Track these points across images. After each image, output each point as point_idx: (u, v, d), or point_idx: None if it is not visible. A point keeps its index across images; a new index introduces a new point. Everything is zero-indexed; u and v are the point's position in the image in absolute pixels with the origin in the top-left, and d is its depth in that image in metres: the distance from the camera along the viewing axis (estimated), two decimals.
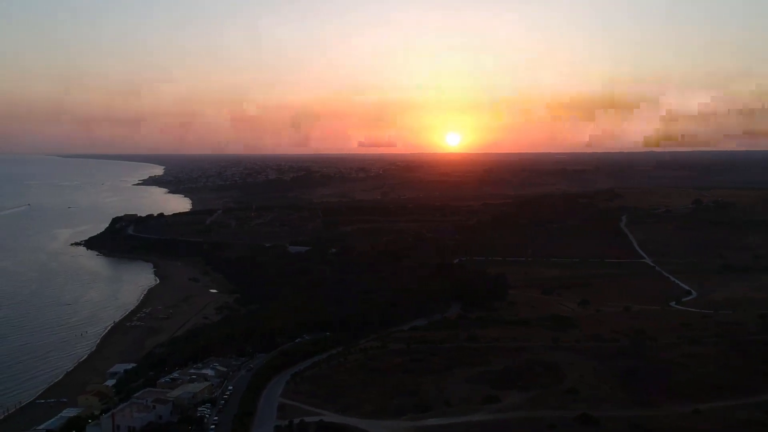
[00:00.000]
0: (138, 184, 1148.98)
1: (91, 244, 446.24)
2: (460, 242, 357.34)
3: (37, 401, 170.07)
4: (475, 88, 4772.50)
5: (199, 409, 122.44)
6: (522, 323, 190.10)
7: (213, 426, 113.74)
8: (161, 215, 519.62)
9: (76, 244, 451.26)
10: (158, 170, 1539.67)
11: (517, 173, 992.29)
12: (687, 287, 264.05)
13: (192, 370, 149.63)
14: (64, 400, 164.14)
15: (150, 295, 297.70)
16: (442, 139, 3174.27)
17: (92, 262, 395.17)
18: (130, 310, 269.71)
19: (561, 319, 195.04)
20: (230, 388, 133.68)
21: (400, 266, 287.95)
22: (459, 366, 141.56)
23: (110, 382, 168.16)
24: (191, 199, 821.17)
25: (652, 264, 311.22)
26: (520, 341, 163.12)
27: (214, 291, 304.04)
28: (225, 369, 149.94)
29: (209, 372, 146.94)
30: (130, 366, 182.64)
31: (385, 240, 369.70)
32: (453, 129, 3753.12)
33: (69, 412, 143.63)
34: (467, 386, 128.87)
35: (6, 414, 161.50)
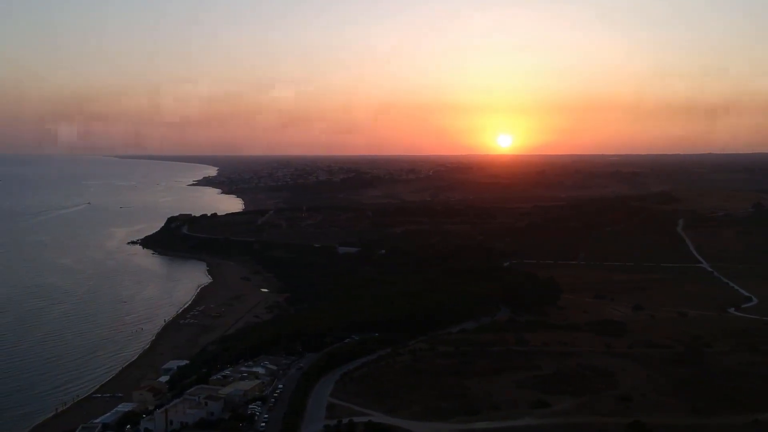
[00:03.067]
0: (192, 185, 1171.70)
1: (147, 242, 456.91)
2: (510, 245, 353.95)
3: (94, 395, 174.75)
4: (527, 89, 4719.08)
5: (250, 406, 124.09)
6: (573, 328, 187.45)
7: (263, 424, 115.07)
8: (214, 215, 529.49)
9: (132, 242, 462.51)
10: (212, 171, 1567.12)
11: (569, 175, 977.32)
12: (747, 293, 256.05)
13: (243, 368, 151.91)
14: (120, 395, 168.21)
15: (203, 294, 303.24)
16: (493, 141, 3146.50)
17: (148, 260, 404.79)
18: (183, 308, 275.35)
19: (613, 324, 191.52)
20: (280, 386, 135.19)
21: (449, 268, 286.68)
22: (508, 369, 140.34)
23: (164, 378, 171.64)
24: (243, 199, 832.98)
25: (710, 269, 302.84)
26: (571, 346, 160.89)
27: (265, 290, 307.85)
28: (275, 367, 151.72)
29: (260, 370, 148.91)
30: (183, 363, 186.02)
31: (433, 242, 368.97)
32: (504, 130, 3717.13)
33: (124, 407, 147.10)
34: (516, 390, 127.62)
35: (64, 407, 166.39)
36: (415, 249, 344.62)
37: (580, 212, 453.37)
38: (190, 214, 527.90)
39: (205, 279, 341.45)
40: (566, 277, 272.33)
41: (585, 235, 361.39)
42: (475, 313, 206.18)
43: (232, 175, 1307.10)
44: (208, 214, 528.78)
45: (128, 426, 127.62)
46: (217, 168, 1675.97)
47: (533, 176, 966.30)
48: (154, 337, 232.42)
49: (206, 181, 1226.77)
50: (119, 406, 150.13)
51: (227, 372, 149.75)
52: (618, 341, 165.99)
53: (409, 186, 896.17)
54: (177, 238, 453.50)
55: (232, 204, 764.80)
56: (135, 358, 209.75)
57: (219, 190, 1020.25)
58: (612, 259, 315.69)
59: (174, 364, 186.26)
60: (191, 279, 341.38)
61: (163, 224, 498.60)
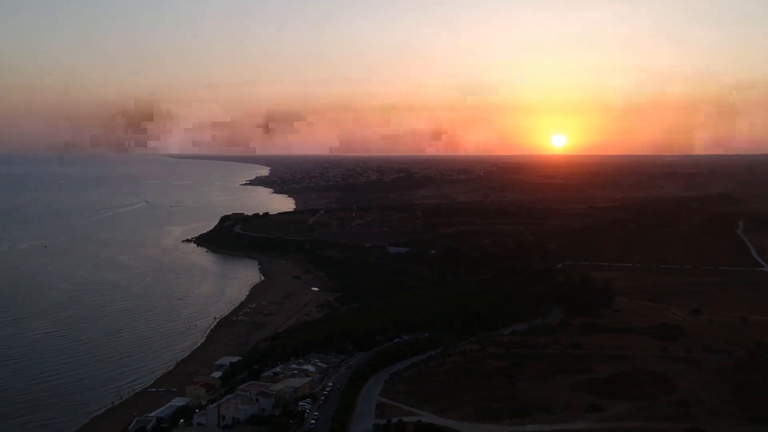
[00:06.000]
0: (245, 184, 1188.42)
1: (201, 241, 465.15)
2: (564, 246, 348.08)
3: (149, 389, 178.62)
4: (582, 89, 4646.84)
5: (300, 403, 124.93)
6: (628, 331, 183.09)
7: (313, 421, 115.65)
8: (266, 214, 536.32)
9: (187, 240, 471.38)
10: (264, 171, 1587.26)
11: (624, 176, 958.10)
12: None
13: (294, 366, 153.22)
14: (174, 389, 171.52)
15: (255, 292, 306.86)
16: (547, 141, 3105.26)
17: (202, 258, 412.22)
18: (236, 306, 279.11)
19: (670, 327, 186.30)
20: (330, 384, 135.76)
21: (501, 269, 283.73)
22: (561, 372, 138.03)
23: (216, 374, 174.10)
24: (294, 199, 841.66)
25: None
26: (626, 349, 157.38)
27: (316, 289, 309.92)
28: (325, 366, 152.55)
29: (310, 368, 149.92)
30: (235, 359, 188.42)
31: (485, 242, 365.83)
32: (558, 130, 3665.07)
33: (178, 402, 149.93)
34: (569, 393, 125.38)
35: (121, 400, 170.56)
36: (467, 249, 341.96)
37: (636, 213, 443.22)
38: (243, 214, 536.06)
39: (257, 277, 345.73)
40: (621, 279, 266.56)
41: (641, 237, 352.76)
42: (528, 314, 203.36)
43: (284, 174, 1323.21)
44: (261, 214, 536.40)
45: (182, 420, 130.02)
46: (269, 168, 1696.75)
47: (588, 177, 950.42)
48: (207, 334, 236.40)
49: (258, 181, 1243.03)
50: (173, 400, 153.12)
51: (278, 369, 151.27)
52: (675, 345, 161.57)
53: (461, 186, 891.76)
54: (230, 236, 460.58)
55: (284, 203, 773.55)
56: (189, 353, 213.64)
57: (271, 190, 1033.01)
58: (669, 262, 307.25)
59: (226, 360, 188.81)
60: (244, 277, 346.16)
61: (216, 223, 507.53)
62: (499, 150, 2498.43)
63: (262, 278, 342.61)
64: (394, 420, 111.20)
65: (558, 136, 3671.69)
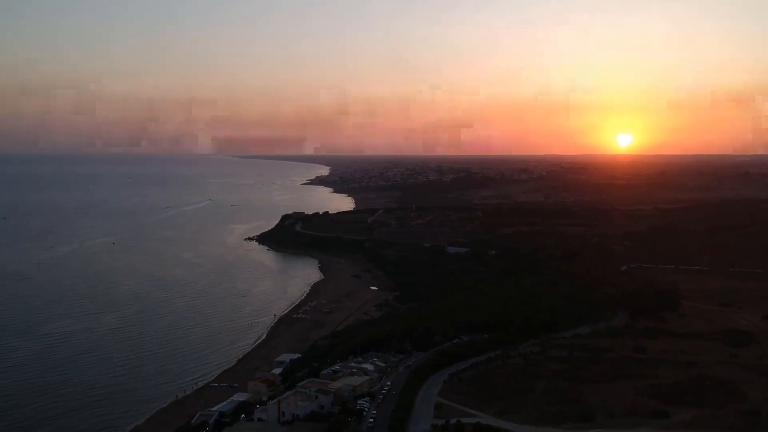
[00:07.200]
0: (305, 184, 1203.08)
1: (263, 239, 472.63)
2: (629, 248, 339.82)
3: (212, 384, 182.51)
4: (648, 87, 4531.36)
5: (359, 402, 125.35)
6: (695, 336, 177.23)
7: (371, 420, 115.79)
8: (326, 213, 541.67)
9: (249, 239, 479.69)
10: (324, 170, 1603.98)
11: (692, 176, 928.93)
12: None
13: (352, 364, 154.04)
14: (236, 385, 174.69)
15: (314, 290, 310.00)
16: (612, 140, 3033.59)
17: (263, 256, 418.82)
18: (296, 303, 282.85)
19: (740, 333, 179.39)
20: (388, 383, 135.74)
21: (563, 271, 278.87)
22: (624, 377, 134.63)
23: (277, 371, 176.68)
24: (354, 198, 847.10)
25: None
26: (692, 355, 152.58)
27: (375, 288, 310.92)
28: (384, 365, 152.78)
29: (369, 367, 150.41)
30: (295, 356, 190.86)
31: (546, 243, 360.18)
32: (624, 129, 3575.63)
33: (239, 397, 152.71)
34: (633, 398, 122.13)
35: (184, 394, 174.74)
36: (528, 250, 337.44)
37: (704, 215, 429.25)
38: (303, 213, 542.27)
39: (317, 276, 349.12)
40: (688, 283, 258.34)
41: (710, 240, 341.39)
42: (590, 317, 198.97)
43: (343, 174, 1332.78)
44: (320, 213, 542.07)
45: (243, 415, 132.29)
46: (329, 167, 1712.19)
47: (653, 177, 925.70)
48: (268, 331, 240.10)
49: (319, 180, 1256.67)
50: (235, 395, 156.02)
51: (337, 367, 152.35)
52: (745, 352, 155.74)
53: (522, 186, 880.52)
54: (291, 235, 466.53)
55: (343, 203, 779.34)
56: (250, 350, 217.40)
57: (331, 189, 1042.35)
58: (739, 266, 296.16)
59: (287, 357, 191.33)
60: (304, 275, 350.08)
61: (277, 222, 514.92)
62: (563, 150, 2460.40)
63: (322, 277, 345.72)
64: (453, 421, 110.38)
65: (623, 136, 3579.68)
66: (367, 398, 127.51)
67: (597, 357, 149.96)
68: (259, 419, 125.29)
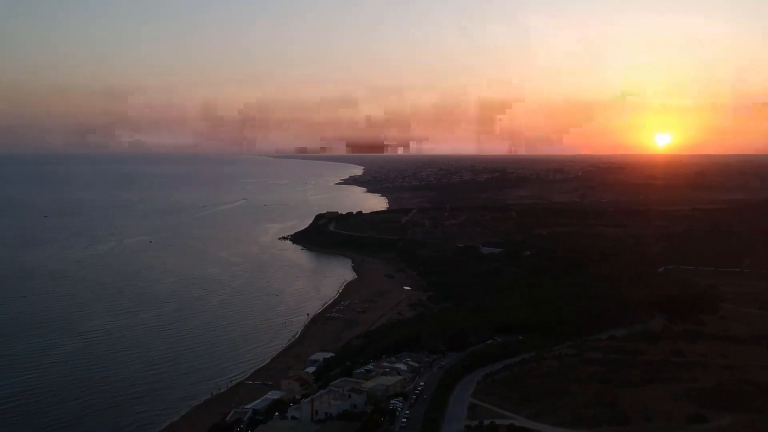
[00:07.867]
0: (339, 183, 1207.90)
1: (297, 238, 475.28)
2: (667, 249, 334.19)
3: (246, 382, 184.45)
4: (687, 87, 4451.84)
5: (391, 401, 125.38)
6: (735, 340, 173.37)
7: (404, 420, 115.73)
8: (360, 213, 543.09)
9: (283, 238, 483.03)
10: (358, 170, 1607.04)
11: (732, 176, 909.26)
12: None
13: (385, 364, 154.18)
14: (270, 383, 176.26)
15: (348, 289, 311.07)
16: (650, 140, 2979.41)
17: (297, 255, 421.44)
18: (329, 302, 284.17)
19: None
20: (421, 383, 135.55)
21: (599, 272, 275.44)
22: (661, 380, 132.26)
23: (310, 369, 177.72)
24: (387, 198, 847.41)
25: None
26: (732, 359, 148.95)
27: (408, 288, 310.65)
28: (417, 365, 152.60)
29: (402, 366, 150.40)
30: (328, 355, 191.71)
31: (582, 244, 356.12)
32: (662, 129, 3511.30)
33: (273, 395, 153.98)
34: (670, 402, 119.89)
35: (219, 391, 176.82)
36: (563, 251, 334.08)
37: (744, 216, 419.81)
38: (337, 212, 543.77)
39: (350, 275, 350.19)
40: (728, 285, 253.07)
41: (750, 241, 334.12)
42: (627, 319, 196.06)
43: (377, 174, 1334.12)
44: (354, 212, 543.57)
45: (276, 413, 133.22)
46: (362, 167, 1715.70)
47: (692, 177, 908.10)
48: (301, 329, 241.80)
49: (352, 180, 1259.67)
50: (269, 393, 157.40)
51: (370, 366, 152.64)
52: None
53: (557, 186, 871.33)
54: (324, 234, 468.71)
55: (377, 202, 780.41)
56: (284, 348, 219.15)
57: (364, 189, 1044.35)
58: None
59: (320, 356, 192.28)
60: (337, 275, 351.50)
61: (311, 221, 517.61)
62: (600, 149, 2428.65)
63: (355, 276, 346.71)
64: (486, 422, 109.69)
65: (662, 135, 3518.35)
66: (400, 398, 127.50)
67: (633, 360, 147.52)
68: (293, 417, 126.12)
